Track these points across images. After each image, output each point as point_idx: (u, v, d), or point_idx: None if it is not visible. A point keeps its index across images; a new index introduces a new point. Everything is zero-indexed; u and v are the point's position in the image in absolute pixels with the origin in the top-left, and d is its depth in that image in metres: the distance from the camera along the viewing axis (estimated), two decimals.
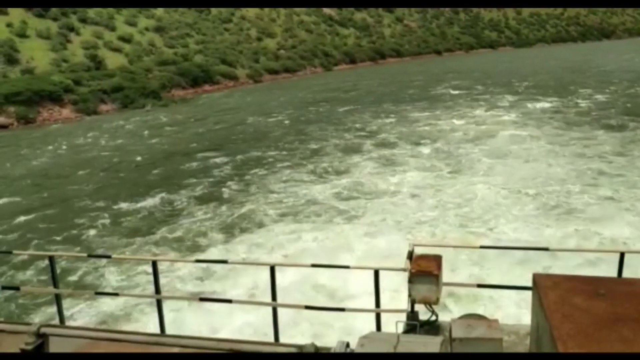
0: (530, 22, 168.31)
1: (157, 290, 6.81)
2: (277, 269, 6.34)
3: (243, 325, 10.38)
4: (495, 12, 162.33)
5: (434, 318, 5.77)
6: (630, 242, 14.24)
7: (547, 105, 41.07)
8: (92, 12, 73.63)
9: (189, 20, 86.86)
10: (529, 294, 4.97)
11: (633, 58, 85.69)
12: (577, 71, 68.56)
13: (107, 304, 12.56)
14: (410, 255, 5.69)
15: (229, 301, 7.20)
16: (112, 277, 14.32)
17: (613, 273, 5.65)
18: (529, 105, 41.33)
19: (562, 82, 55.94)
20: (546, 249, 8.33)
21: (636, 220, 16.36)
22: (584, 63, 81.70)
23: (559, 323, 3.86)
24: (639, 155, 24.45)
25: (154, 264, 6.78)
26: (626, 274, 5.53)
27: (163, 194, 22.28)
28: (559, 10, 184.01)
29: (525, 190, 19.75)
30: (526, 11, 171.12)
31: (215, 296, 11.29)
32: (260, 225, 18.11)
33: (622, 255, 5.72)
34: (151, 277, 6.99)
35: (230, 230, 17.77)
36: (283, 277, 10.30)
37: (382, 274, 5.83)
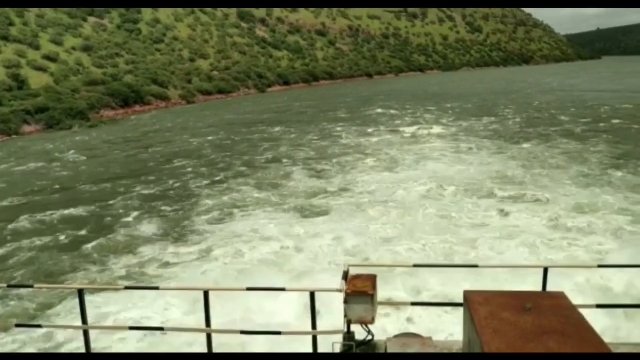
0: (456, 47, 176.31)
1: (84, 320, 6.47)
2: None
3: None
4: (423, 37, 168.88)
5: (369, 337, 5.78)
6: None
7: (475, 122, 42.96)
8: (14, 30, 70.80)
9: (118, 40, 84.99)
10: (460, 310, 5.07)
11: (550, 82, 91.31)
12: (501, 93, 72.42)
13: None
14: (345, 276, 5.68)
15: (161, 329, 6.94)
16: (34, 306, 13.50)
17: (538, 287, 5.87)
18: (458, 122, 43.07)
19: (489, 104, 58.85)
20: (475, 266, 8.65)
21: None
22: (508, 85, 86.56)
23: (489, 338, 3.96)
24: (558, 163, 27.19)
25: (80, 293, 6.44)
26: (550, 287, 5.76)
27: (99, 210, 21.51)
28: (482, 36, 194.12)
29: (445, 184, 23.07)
30: (452, 37, 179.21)
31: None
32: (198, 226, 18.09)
33: (545, 270, 5.96)
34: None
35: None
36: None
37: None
